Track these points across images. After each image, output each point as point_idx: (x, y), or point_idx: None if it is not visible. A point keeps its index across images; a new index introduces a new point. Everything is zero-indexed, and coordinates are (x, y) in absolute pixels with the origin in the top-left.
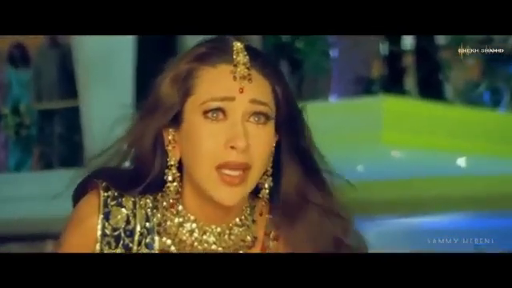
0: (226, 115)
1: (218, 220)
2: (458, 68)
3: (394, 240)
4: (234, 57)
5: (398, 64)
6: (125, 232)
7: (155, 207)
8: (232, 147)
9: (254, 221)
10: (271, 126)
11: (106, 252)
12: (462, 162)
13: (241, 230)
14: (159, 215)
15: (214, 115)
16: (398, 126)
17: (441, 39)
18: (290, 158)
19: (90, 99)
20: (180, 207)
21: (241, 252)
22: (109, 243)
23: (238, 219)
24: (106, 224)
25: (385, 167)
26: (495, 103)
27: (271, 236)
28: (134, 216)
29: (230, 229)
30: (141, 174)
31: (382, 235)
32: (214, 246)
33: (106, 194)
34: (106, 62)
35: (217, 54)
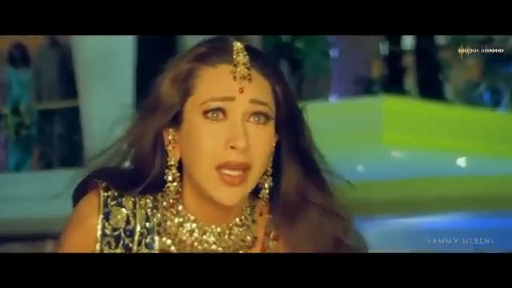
0: (226, 115)
1: (217, 220)
2: (458, 68)
3: (394, 240)
4: (234, 57)
5: (398, 64)
6: (125, 232)
7: (155, 207)
8: (232, 147)
9: (254, 221)
10: (271, 126)
11: (106, 252)
12: (462, 162)
13: (241, 229)
14: (159, 215)
15: (214, 115)
16: (398, 126)
17: (441, 39)
18: (289, 158)
19: (90, 99)
20: (180, 207)
21: (241, 252)
22: (109, 243)
23: (237, 219)
24: (106, 224)
25: (385, 167)
26: (495, 103)
27: (271, 236)
28: (134, 216)
29: (230, 229)
30: (141, 174)
31: (382, 235)
32: (214, 246)
33: (106, 194)
34: (106, 62)
35: (217, 53)
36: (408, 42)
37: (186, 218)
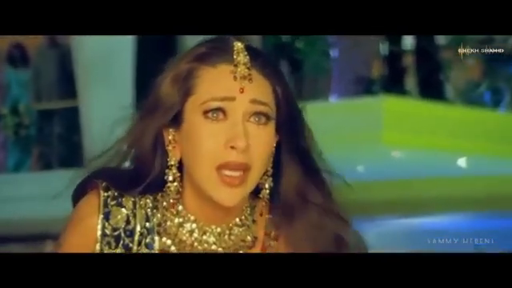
0: (227, 115)
1: (217, 220)
2: (458, 68)
3: (395, 240)
4: (235, 57)
5: (399, 64)
6: (125, 232)
7: (155, 207)
8: (232, 147)
9: (254, 221)
10: (271, 126)
11: (106, 252)
12: (462, 162)
13: (241, 230)
14: (159, 215)
15: (215, 115)
16: (399, 126)
17: (441, 39)
18: (290, 159)
19: (90, 99)
20: (180, 207)
21: (241, 252)
22: (109, 243)
23: (237, 219)
24: (106, 224)
25: (385, 167)
26: (496, 103)
27: (271, 236)
28: (134, 216)
29: (230, 229)
30: (141, 174)
31: (383, 236)
32: (213, 246)
33: (105, 194)
34: (106, 62)
35: (217, 53)
36: (408, 41)
37: (186, 218)
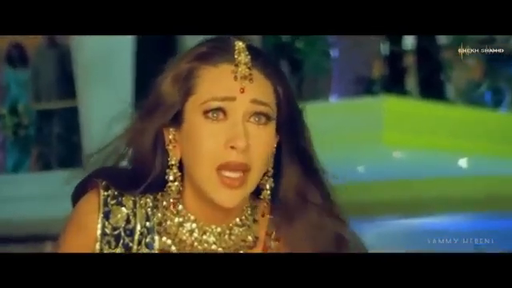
0: (227, 115)
1: (218, 220)
2: (459, 68)
3: (395, 240)
4: (236, 56)
5: (399, 64)
6: (125, 231)
7: (155, 207)
8: (232, 147)
9: (255, 221)
10: (272, 126)
11: (105, 251)
12: (463, 162)
13: (241, 230)
14: (159, 215)
15: (215, 115)
16: (399, 127)
17: (442, 39)
18: (290, 159)
19: (89, 99)
20: (180, 207)
21: (241, 252)
22: (109, 242)
23: (238, 219)
24: (106, 223)
25: (385, 168)
26: (496, 103)
27: (273, 236)
28: (134, 215)
29: (230, 229)
30: (141, 174)
31: (383, 236)
32: (214, 246)
33: (105, 193)
34: (106, 62)
35: (218, 53)
36: (409, 41)
37: (186, 218)
